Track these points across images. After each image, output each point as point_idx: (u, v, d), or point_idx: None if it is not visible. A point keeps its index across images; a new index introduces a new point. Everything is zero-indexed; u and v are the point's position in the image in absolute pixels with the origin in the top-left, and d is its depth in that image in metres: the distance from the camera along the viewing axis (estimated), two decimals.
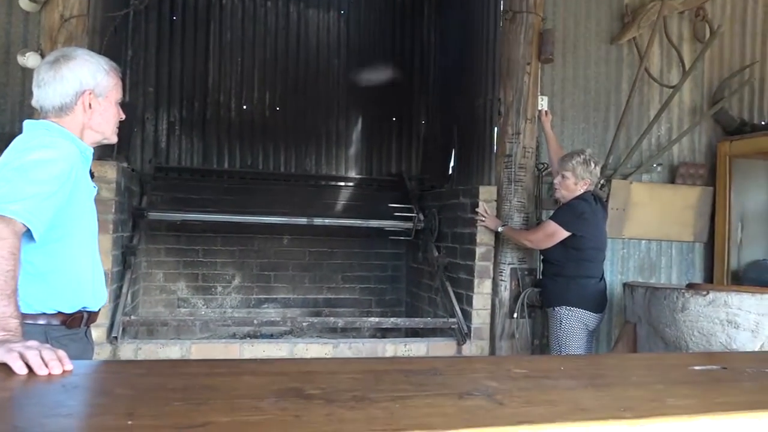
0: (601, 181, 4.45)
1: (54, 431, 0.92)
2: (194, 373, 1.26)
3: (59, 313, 1.64)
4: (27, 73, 3.72)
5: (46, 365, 1.19)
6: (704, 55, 4.62)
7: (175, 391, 1.12)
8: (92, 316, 1.74)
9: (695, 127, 4.73)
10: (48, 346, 1.27)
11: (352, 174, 5.53)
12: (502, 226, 3.76)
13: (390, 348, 3.79)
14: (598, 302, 3.34)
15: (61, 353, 1.24)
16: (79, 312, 1.69)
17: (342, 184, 5.47)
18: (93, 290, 1.73)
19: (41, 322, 1.61)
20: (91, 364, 1.51)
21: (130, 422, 0.93)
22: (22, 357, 1.20)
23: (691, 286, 3.33)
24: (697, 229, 4.69)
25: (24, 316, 1.44)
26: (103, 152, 3.54)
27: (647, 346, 3.29)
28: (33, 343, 1.27)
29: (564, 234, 3.31)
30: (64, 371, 1.20)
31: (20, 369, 1.19)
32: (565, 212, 3.35)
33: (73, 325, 1.67)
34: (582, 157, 3.40)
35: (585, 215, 3.30)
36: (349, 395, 1.13)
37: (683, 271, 4.74)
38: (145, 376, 1.24)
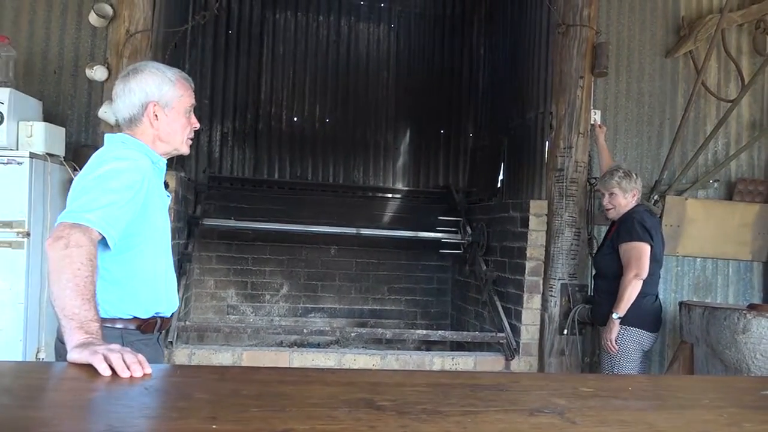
0: (655, 197, 4.36)
1: (145, 431, 0.97)
2: (266, 381, 1.29)
3: (135, 318, 1.70)
4: (93, 86, 3.89)
5: (128, 368, 1.25)
6: (765, 68, 4.48)
7: (251, 397, 1.15)
8: (165, 321, 1.80)
9: (754, 142, 4.58)
10: (128, 349, 1.32)
11: (400, 186, 5.57)
12: (616, 315, 3.21)
13: (437, 361, 3.78)
14: (655, 321, 3.24)
15: (141, 357, 1.29)
16: (153, 318, 1.75)
17: (389, 195, 5.50)
18: (167, 297, 1.79)
19: (118, 326, 1.67)
20: (167, 368, 1.56)
21: (214, 426, 0.97)
22: (106, 359, 1.26)
23: (753, 307, 3.22)
24: (755, 248, 4.53)
25: (102, 320, 1.50)
26: None
27: (705, 368, 3.19)
28: (115, 346, 1.32)
29: (648, 247, 3.16)
30: (144, 374, 1.25)
31: (105, 371, 1.24)
32: (631, 227, 3.21)
33: (147, 330, 1.73)
34: (621, 171, 3.37)
35: (647, 224, 3.22)
36: (419, 408, 1.14)
37: (740, 291, 4.58)
38: (220, 381, 1.28)
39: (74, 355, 1.32)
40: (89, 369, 1.26)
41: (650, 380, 1.87)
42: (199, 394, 1.17)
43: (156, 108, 1.74)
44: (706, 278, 4.55)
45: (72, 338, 1.36)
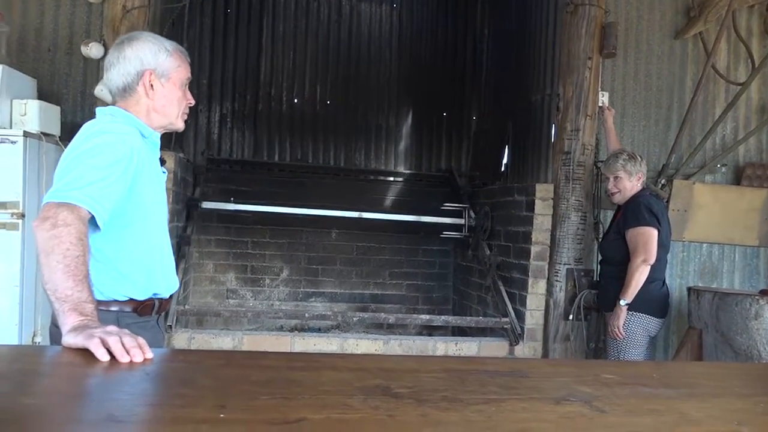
0: (662, 181, 4.29)
1: (148, 420, 0.90)
2: (274, 366, 1.23)
3: (131, 300, 1.63)
4: (89, 63, 3.79)
5: (128, 352, 1.17)
6: None
7: (259, 384, 1.08)
8: (163, 303, 1.73)
9: (763, 126, 4.51)
10: (127, 331, 1.24)
11: (402, 169, 5.48)
12: (624, 302, 3.15)
13: (441, 346, 3.73)
14: (662, 307, 3.19)
15: (141, 340, 1.21)
16: (150, 299, 1.68)
17: (391, 179, 5.43)
18: (164, 276, 1.71)
19: (113, 309, 1.60)
20: (168, 352, 1.50)
21: (222, 415, 0.90)
22: (104, 343, 1.18)
23: (765, 293, 3.16)
24: (762, 233, 4.47)
25: (97, 303, 1.42)
26: (161, 142, 3.58)
27: (714, 354, 3.15)
28: (112, 328, 1.24)
29: (655, 232, 3.10)
30: (144, 359, 1.18)
31: (103, 356, 1.16)
32: (638, 211, 3.14)
33: (144, 312, 1.65)
34: (626, 154, 3.32)
35: (654, 208, 3.15)
36: (438, 395, 1.07)
37: (746, 277, 4.53)
38: (225, 366, 1.21)
39: (69, 339, 1.23)
40: (86, 353, 1.18)
41: (673, 367, 1.81)
42: (204, 380, 1.10)
43: (152, 77, 1.65)
44: (712, 264, 4.49)
45: (66, 321, 1.28)
